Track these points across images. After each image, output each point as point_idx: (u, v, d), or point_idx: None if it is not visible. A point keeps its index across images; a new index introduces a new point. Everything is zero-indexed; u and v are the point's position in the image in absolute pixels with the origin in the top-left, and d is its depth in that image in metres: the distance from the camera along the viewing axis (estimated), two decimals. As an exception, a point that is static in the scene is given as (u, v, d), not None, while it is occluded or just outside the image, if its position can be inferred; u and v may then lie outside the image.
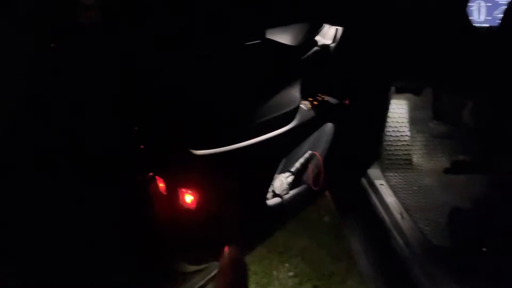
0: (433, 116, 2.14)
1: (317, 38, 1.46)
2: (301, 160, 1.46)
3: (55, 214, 1.14)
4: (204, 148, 1.10)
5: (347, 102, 1.51)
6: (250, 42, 1.16)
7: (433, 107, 2.14)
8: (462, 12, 1.52)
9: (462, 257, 1.50)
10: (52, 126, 1.11)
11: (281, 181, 1.39)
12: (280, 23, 1.25)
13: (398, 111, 2.08)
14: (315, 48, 1.41)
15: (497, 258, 1.46)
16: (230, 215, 1.23)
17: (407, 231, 1.60)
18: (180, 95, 1.10)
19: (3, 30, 1.00)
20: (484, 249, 1.49)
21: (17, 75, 1.04)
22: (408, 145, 2.06)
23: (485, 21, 1.65)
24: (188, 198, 1.15)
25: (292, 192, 1.43)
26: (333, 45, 1.45)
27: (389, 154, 2.02)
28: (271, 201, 1.37)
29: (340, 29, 1.44)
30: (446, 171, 2.01)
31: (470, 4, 1.58)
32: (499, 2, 1.65)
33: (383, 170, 1.96)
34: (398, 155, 2.03)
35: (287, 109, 1.26)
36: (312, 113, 1.38)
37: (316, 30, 1.43)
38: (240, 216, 1.27)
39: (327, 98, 1.48)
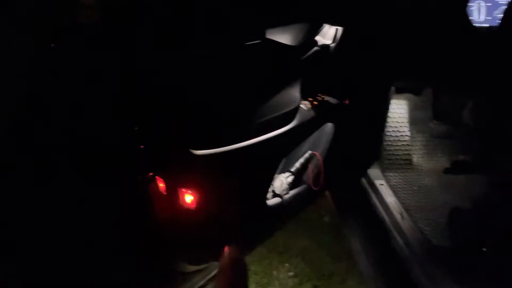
0: (433, 116, 2.14)
1: (317, 38, 1.46)
2: (301, 160, 1.46)
3: (55, 214, 1.14)
4: (204, 148, 1.10)
5: (347, 102, 1.51)
6: (250, 42, 1.16)
7: (433, 107, 2.14)
8: (462, 12, 1.53)
9: (462, 257, 1.50)
10: (52, 126, 1.11)
11: (281, 181, 1.39)
12: (280, 23, 1.25)
13: (398, 111, 2.08)
14: (315, 48, 1.41)
15: (497, 258, 1.46)
16: (230, 215, 1.23)
17: (407, 231, 1.60)
18: (180, 95, 1.10)
19: (3, 30, 1.00)
20: (484, 249, 1.49)
21: (17, 75, 1.04)
22: (408, 145, 2.06)
23: (485, 21, 1.65)
24: (188, 198, 1.15)
25: (292, 192, 1.43)
26: (333, 45, 1.45)
27: (389, 154, 2.02)
28: (271, 201, 1.37)
29: (340, 29, 1.44)
30: (446, 171, 2.01)
31: (470, 4, 1.58)
32: (499, 2, 1.65)
33: (383, 170, 1.96)
34: (398, 155, 2.03)
35: (287, 109, 1.26)
36: (312, 113, 1.38)
37: (316, 30, 1.43)
38: (240, 216, 1.27)
39: (327, 98, 1.48)
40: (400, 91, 2.04)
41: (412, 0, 1.47)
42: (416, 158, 2.08)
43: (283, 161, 1.39)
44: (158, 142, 1.19)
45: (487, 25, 1.64)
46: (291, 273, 1.80)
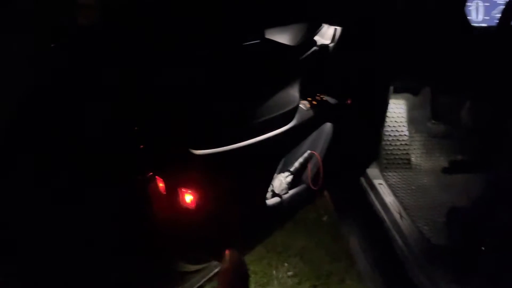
0: (431, 116, 2.15)
1: (316, 38, 1.46)
2: (300, 159, 1.46)
3: (54, 214, 1.14)
4: (203, 148, 1.10)
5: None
6: (249, 42, 1.16)
7: (432, 107, 2.15)
8: (460, 12, 1.53)
9: (461, 256, 1.51)
10: (52, 126, 1.11)
11: (280, 180, 1.39)
12: (279, 23, 1.25)
13: (397, 110, 2.09)
14: (314, 48, 1.42)
15: (496, 258, 1.46)
16: (230, 214, 1.23)
17: (405, 231, 1.61)
18: (180, 95, 1.10)
19: (3, 30, 1.00)
20: (482, 248, 1.49)
21: (17, 75, 1.04)
22: (406, 144, 2.07)
23: (483, 21, 1.65)
24: (188, 198, 1.15)
25: (291, 192, 1.43)
26: (331, 45, 1.46)
27: (388, 153, 2.03)
28: (270, 201, 1.37)
29: (338, 29, 1.45)
30: (445, 170, 2.02)
31: (468, 4, 1.58)
32: (497, 2, 1.65)
33: (382, 169, 1.97)
34: (396, 154, 2.04)
35: (287, 109, 1.26)
36: (311, 113, 1.38)
37: (315, 30, 1.43)
38: (240, 216, 1.27)
39: (326, 98, 1.48)
40: (398, 91, 2.05)
41: (411, 0, 1.47)
42: (414, 158, 2.08)
43: (282, 160, 1.40)
44: (158, 142, 1.19)
45: (485, 25, 1.65)
46: (290, 273, 1.81)
